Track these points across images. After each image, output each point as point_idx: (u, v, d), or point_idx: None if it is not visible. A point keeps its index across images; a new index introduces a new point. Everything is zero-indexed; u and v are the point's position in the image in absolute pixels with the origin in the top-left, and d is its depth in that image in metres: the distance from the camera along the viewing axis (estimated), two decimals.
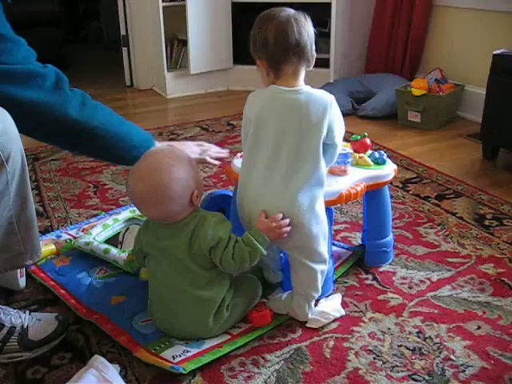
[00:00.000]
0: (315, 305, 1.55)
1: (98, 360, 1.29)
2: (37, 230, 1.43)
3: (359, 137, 1.75)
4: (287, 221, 1.40)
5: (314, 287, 1.49)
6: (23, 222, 1.36)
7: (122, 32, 4.15)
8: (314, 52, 1.48)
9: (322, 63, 3.84)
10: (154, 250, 1.45)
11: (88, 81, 4.52)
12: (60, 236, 1.96)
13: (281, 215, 1.41)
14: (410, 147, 2.86)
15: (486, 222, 2.06)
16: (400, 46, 3.62)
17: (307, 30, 1.45)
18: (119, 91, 4.22)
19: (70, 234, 1.97)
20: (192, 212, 1.41)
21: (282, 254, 1.61)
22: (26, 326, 1.43)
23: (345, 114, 3.27)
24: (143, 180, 1.35)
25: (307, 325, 1.51)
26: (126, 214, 1.99)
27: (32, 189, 2.34)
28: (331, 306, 1.55)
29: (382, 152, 1.73)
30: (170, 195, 1.35)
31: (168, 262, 1.41)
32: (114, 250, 1.75)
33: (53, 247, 1.85)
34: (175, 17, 3.88)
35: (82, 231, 1.97)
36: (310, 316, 1.52)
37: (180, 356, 1.36)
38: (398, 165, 1.76)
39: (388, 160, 1.73)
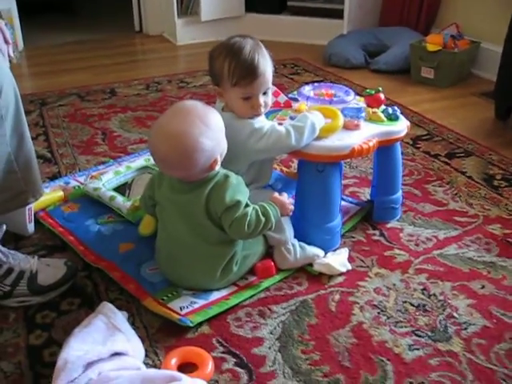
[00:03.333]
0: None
1: (107, 307, 1.31)
2: (37, 166, 1.41)
3: (373, 91, 1.72)
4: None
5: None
6: (22, 159, 1.34)
7: None
8: None
9: (336, 14, 3.77)
10: (167, 202, 1.44)
11: (97, 25, 4.47)
12: (68, 182, 1.96)
13: (285, 195, 1.48)
14: (421, 103, 2.82)
15: (495, 183, 2.04)
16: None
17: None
18: (128, 37, 4.15)
19: (78, 181, 1.97)
20: (211, 171, 1.38)
21: None
22: (35, 271, 1.45)
23: (357, 67, 3.29)
24: (168, 142, 1.31)
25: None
26: (140, 162, 1.98)
27: (40, 134, 2.40)
28: (338, 260, 1.56)
29: (396, 108, 1.71)
30: (192, 164, 1.33)
31: (181, 215, 1.41)
32: (119, 198, 1.76)
33: (61, 193, 1.85)
34: None
35: (91, 178, 1.96)
36: (291, 260, 1.53)
37: (187, 307, 1.38)
38: (409, 121, 1.73)
39: (401, 116, 1.71)
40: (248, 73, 1.45)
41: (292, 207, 1.48)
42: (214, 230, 1.40)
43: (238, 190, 1.39)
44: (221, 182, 1.38)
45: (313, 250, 1.56)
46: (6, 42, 1.33)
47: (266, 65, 1.48)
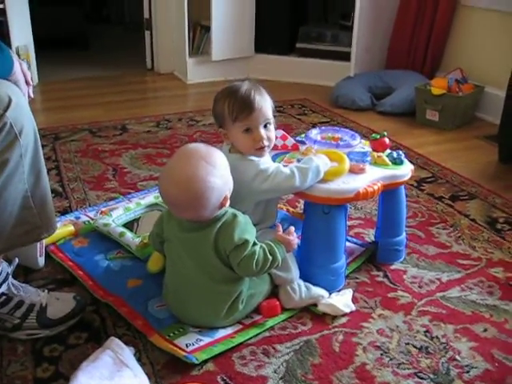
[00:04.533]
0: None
1: (114, 342, 1.33)
2: (51, 203, 1.45)
3: (378, 136, 1.77)
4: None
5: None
6: (38, 195, 1.38)
7: (146, 15, 4.18)
8: None
9: (343, 56, 3.86)
10: (175, 239, 1.48)
11: (109, 62, 4.57)
12: (79, 217, 2.00)
13: (293, 228, 1.51)
14: (426, 146, 2.87)
15: (498, 226, 2.07)
16: (422, 44, 3.62)
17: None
18: (140, 74, 4.25)
19: (88, 216, 2.01)
20: (221, 209, 1.42)
21: None
22: (44, 305, 1.48)
23: (364, 109, 3.35)
24: (178, 187, 1.35)
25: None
26: (150, 199, 2.03)
27: (52, 168, 2.45)
28: (342, 301, 1.58)
29: (400, 152, 1.75)
30: (204, 204, 1.37)
31: (189, 253, 1.45)
32: (129, 235, 1.79)
33: (71, 228, 1.89)
34: (199, 2, 3.91)
35: (101, 213, 2.01)
36: (297, 300, 1.56)
37: (193, 344, 1.40)
38: (413, 163, 1.78)
39: (405, 160, 1.75)
40: (245, 106, 1.52)
41: (297, 241, 1.52)
42: (221, 268, 1.43)
43: (246, 229, 1.43)
44: (229, 221, 1.42)
45: (318, 291, 1.59)
46: (27, 83, 1.38)
47: (262, 99, 1.54)
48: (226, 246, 1.40)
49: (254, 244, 1.43)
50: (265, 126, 1.55)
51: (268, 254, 1.43)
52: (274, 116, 1.60)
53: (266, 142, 1.55)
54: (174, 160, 1.41)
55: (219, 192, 1.38)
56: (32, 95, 1.38)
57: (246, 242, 1.40)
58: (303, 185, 1.53)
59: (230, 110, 1.53)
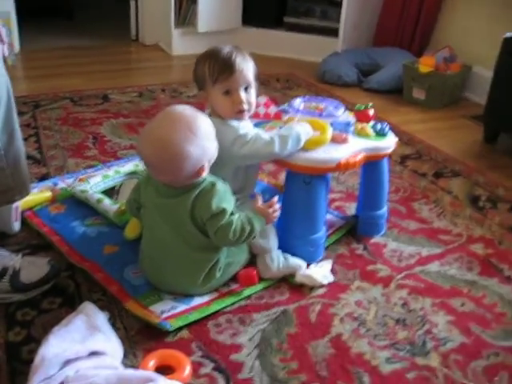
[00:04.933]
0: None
1: (88, 306, 1.31)
2: (26, 165, 1.42)
3: (363, 107, 1.74)
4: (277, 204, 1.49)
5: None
6: (11, 156, 1.35)
7: None
8: None
9: (331, 32, 3.82)
10: (152, 205, 1.45)
11: (94, 32, 4.49)
12: (57, 184, 1.96)
13: (276, 198, 1.48)
14: (412, 124, 2.85)
15: (480, 204, 2.07)
16: (411, 21, 3.58)
17: None
18: (124, 44, 4.17)
19: (66, 183, 1.97)
20: (198, 178, 1.39)
21: None
22: (18, 268, 1.45)
23: (350, 85, 3.32)
24: (154, 147, 1.32)
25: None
26: (129, 167, 1.99)
27: (31, 135, 2.41)
28: (320, 272, 1.57)
29: (385, 124, 1.73)
30: (176, 170, 1.34)
31: (165, 219, 1.42)
32: (106, 201, 1.77)
33: (49, 194, 1.86)
34: None
35: (79, 181, 1.97)
36: (274, 270, 1.54)
37: (168, 311, 1.39)
38: (398, 140, 1.76)
39: (390, 132, 1.72)
40: (225, 67, 1.49)
41: (277, 214, 1.49)
42: (198, 235, 1.41)
43: (224, 198, 1.40)
44: (207, 189, 1.39)
45: (295, 261, 1.57)
46: (1, 40, 1.33)
47: (243, 62, 1.52)
48: (202, 213, 1.38)
49: (232, 214, 1.40)
50: (245, 90, 1.52)
51: (246, 225, 1.40)
52: (260, 85, 1.57)
53: (245, 106, 1.52)
54: (157, 119, 1.38)
55: (195, 161, 1.34)
56: (6, 53, 1.33)
57: (224, 210, 1.38)
58: (283, 152, 1.51)
59: (210, 72, 1.50)
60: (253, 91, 1.55)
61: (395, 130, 2.63)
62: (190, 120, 1.35)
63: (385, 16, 3.74)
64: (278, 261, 1.54)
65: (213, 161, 1.41)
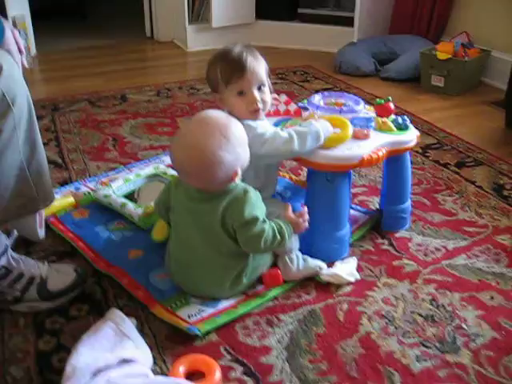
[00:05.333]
0: (330, 267, 1.57)
1: (116, 313, 1.31)
2: (48, 174, 1.43)
3: (383, 101, 1.72)
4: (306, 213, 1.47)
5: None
6: (34, 167, 1.36)
7: None
8: None
9: (346, 22, 3.78)
10: (182, 208, 1.44)
11: (108, 30, 4.51)
12: (79, 188, 1.97)
13: (306, 209, 1.48)
14: (431, 112, 2.82)
15: (505, 193, 2.04)
16: (427, 7, 3.53)
17: None
18: (139, 42, 4.18)
19: (88, 187, 1.98)
20: (231, 183, 1.38)
21: None
22: (45, 277, 1.46)
23: (367, 75, 3.30)
24: (186, 153, 1.32)
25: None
26: (149, 169, 1.99)
27: (51, 139, 2.42)
28: (346, 270, 1.56)
29: (406, 117, 1.71)
30: (210, 176, 1.33)
31: (195, 223, 1.41)
32: (130, 205, 1.76)
33: (71, 199, 1.86)
34: None
35: (101, 184, 1.98)
36: (294, 271, 1.53)
37: (195, 315, 1.38)
38: (418, 129, 1.74)
39: (411, 126, 1.70)
40: (237, 68, 1.48)
41: (306, 225, 1.48)
42: (227, 241, 1.40)
43: (257, 206, 1.39)
44: (240, 196, 1.37)
45: (315, 262, 1.56)
46: (20, 51, 1.34)
47: (254, 61, 1.50)
48: (234, 221, 1.37)
49: (264, 221, 1.39)
50: (259, 89, 1.51)
51: (277, 234, 1.39)
52: (274, 83, 1.56)
53: (260, 105, 1.51)
54: (190, 124, 1.37)
55: (228, 167, 1.33)
56: (26, 64, 1.34)
57: (256, 218, 1.37)
58: (302, 149, 1.49)
59: (222, 74, 1.49)
60: (266, 89, 1.54)
61: (415, 119, 2.64)
62: (224, 126, 1.33)
63: (400, 3, 3.69)
64: (297, 261, 1.53)
65: (245, 166, 1.39)
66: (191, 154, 1.31)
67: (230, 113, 1.52)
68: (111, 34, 4.41)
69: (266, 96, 1.53)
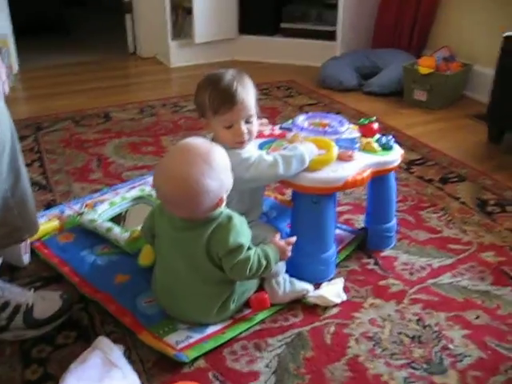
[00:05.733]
0: (317, 288, 1.57)
1: (103, 341, 1.31)
2: (33, 203, 1.41)
3: (367, 121, 1.74)
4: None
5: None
6: (18, 196, 1.34)
7: None
8: None
9: (329, 36, 3.81)
10: (167, 236, 1.44)
11: (90, 47, 4.50)
12: (63, 211, 1.96)
13: (294, 239, 1.49)
14: (415, 126, 2.85)
15: (489, 209, 2.06)
16: (408, 21, 3.57)
17: None
18: (122, 58, 4.18)
19: (73, 209, 1.97)
20: (216, 210, 1.37)
21: None
22: (30, 305, 1.45)
23: (351, 90, 3.32)
24: (171, 184, 1.30)
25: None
26: (135, 192, 1.98)
27: (35, 160, 2.41)
28: (333, 291, 1.56)
29: (390, 137, 1.72)
30: (196, 205, 1.32)
31: (180, 251, 1.40)
32: (116, 229, 1.76)
33: (56, 223, 1.85)
34: None
35: (86, 206, 1.97)
36: (280, 294, 1.53)
37: (183, 342, 1.38)
38: (402, 145, 1.76)
39: (395, 145, 1.71)
40: (226, 100, 1.47)
41: (289, 252, 1.48)
42: (212, 270, 1.39)
43: (241, 233, 1.38)
44: (224, 224, 1.37)
45: (302, 285, 1.56)
46: (1, 78, 1.32)
47: (244, 92, 1.49)
48: (219, 249, 1.36)
49: (249, 248, 1.39)
50: (246, 121, 1.51)
51: (262, 260, 1.39)
52: (258, 99, 1.56)
53: (246, 137, 1.51)
54: (171, 154, 1.36)
55: (214, 194, 1.32)
56: (7, 91, 1.32)
57: (241, 246, 1.36)
58: (287, 173, 1.50)
59: (210, 102, 1.48)
60: (254, 120, 1.53)
61: (398, 134, 2.66)
62: (206, 153, 1.32)
63: (382, 17, 3.74)
64: (284, 285, 1.53)
65: (229, 191, 1.39)
66: (174, 183, 1.30)
67: (215, 139, 1.53)
68: (94, 50, 4.40)
69: (253, 127, 1.53)
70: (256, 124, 1.55)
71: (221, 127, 1.50)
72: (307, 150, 1.53)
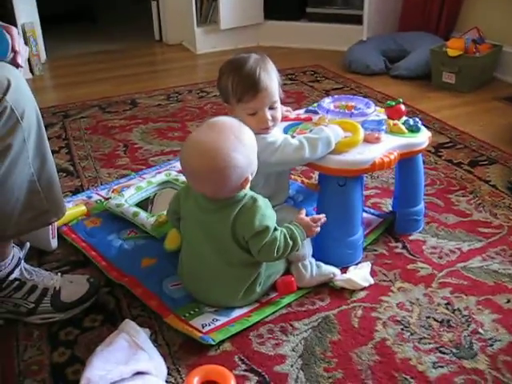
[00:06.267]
0: (344, 272, 1.55)
1: (129, 324, 1.31)
2: (59, 186, 1.42)
3: (394, 103, 1.71)
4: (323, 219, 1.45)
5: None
6: (44, 179, 1.35)
7: None
8: None
9: (355, 20, 3.76)
10: (192, 219, 1.43)
11: (117, 34, 4.52)
12: (91, 196, 1.98)
13: (323, 217, 1.46)
14: (443, 110, 2.79)
15: None
16: (437, 3, 3.49)
17: None
18: (148, 46, 4.19)
19: (100, 195, 1.98)
20: (241, 191, 1.37)
21: None
22: (58, 288, 1.46)
23: (377, 73, 3.27)
24: (201, 156, 1.29)
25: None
26: (161, 177, 1.99)
27: (62, 147, 2.43)
28: (360, 275, 1.54)
29: (417, 119, 1.69)
30: (223, 180, 1.31)
31: (205, 234, 1.40)
32: (142, 214, 1.76)
33: (83, 208, 1.87)
34: None
35: (113, 192, 1.98)
36: (307, 278, 1.52)
37: (209, 325, 1.38)
38: (430, 128, 1.73)
39: (422, 127, 1.69)
40: (250, 87, 1.45)
41: (318, 229, 1.46)
42: (238, 252, 1.39)
43: (266, 214, 1.37)
44: (249, 206, 1.36)
45: (329, 269, 1.55)
46: (14, 50, 1.29)
47: (268, 79, 1.47)
48: (245, 232, 1.36)
49: (275, 229, 1.38)
50: (270, 107, 1.49)
51: (289, 239, 1.38)
52: (284, 84, 1.54)
53: (270, 123, 1.50)
54: (201, 128, 1.35)
55: (241, 171, 1.31)
56: (21, 63, 1.29)
57: (267, 228, 1.35)
58: (313, 155, 1.48)
59: (233, 89, 1.47)
60: (278, 105, 1.52)
61: (426, 117, 2.62)
62: (237, 130, 1.32)
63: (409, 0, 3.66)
64: (311, 268, 1.52)
65: (254, 174, 1.38)
66: (207, 157, 1.29)
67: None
68: (120, 38, 4.42)
69: (277, 113, 1.51)
70: (280, 109, 1.53)
71: (245, 114, 1.49)
72: (333, 132, 1.51)
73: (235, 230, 1.36)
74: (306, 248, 1.51)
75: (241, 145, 1.30)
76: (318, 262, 1.55)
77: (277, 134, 1.54)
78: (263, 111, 1.48)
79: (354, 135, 1.54)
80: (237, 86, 1.46)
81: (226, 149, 1.28)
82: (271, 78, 1.48)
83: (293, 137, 1.53)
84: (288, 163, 1.53)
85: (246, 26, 3.94)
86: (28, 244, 1.49)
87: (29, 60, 3.39)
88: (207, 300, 1.45)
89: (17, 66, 1.28)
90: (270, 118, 1.49)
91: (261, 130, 1.50)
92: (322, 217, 1.46)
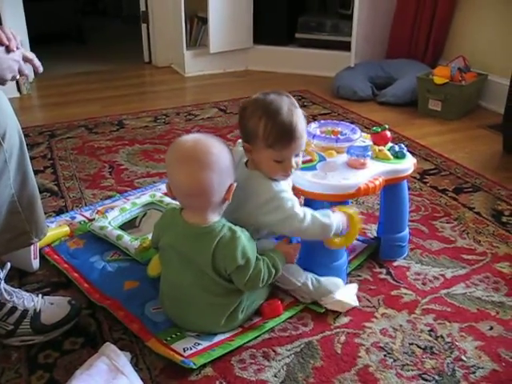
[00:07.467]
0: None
1: (110, 348, 1.30)
2: (41, 206, 1.41)
3: (379, 129, 1.72)
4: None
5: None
6: (25, 200, 1.33)
7: (142, 8, 4.12)
8: None
9: (343, 46, 3.80)
10: (172, 250, 1.42)
11: (107, 56, 4.53)
12: (74, 217, 1.96)
13: (299, 245, 1.50)
14: (429, 136, 2.82)
15: (504, 219, 2.03)
16: (424, 32, 3.55)
17: None
18: (137, 68, 4.20)
19: (84, 216, 1.97)
20: (219, 220, 1.37)
21: None
22: (38, 310, 1.44)
23: (365, 100, 3.30)
24: (187, 167, 1.30)
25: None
26: (145, 198, 1.98)
27: (47, 167, 2.41)
28: (348, 295, 1.54)
29: (403, 145, 1.71)
30: (209, 181, 1.31)
31: (185, 264, 1.39)
32: (126, 237, 1.75)
33: (67, 229, 1.85)
34: None
35: (97, 213, 1.97)
36: (312, 290, 1.53)
37: (191, 349, 1.36)
38: (416, 155, 1.74)
39: (408, 154, 1.70)
40: (285, 136, 1.39)
41: (296, 255, 1.48)
42: (219, 281, 1.37)
43: (247, 246, 1.36)
44: (228, 238, 1.34)
45: (330, 280, 1.55)
46: (2, 43, 1.25)
47: (301, 128, 1.42)
48: (226, 265, 1.34)
49: (257, 259, 1.38)
50: (296, 155, 1.46)
51: (271, 268, 1.40)
52: None
53: (293, 171, 1.47)
54: (182, 140, 1.36)
55: (220, 189, 1.33)
56: (15, 48, 1.26)
57: (249, 261, 1.35)
58: (306, 233, 1.46)
59: (266, 134, 1.39)
60: (301, 153, 1.49)
61: (412, 144, 2.64)
62: (202, 157, 1.31)
63: (396, 27, 3.72)
64: (312, 282, 1.52)
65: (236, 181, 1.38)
66: (191, 169, 1.31)
67: (255, 164, 1.48)
68: (109, 59, 4.43)
69: (300, 159, 1.48)
70: (302, 155, 1.49)
71: (270, 160, 1.43)
72: (337, 221, 1.48)
73: (215, 261, 1.34)
74: (303, 273, 1.53)
75: (212, 172, 1.30)
76: (316, 276, 1.55)
77: (286, 187, 1.49)
78: (290, 160, 1.44)
79: (350, 232, 1.53)
80: (270, 132, 1.39)
81: (204, 178, 1.30)
82: (304, 128, 1.44)
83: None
84: (281, 226, 1.48)
85: (234, 50, 3.97)
86: (9, 264, 1.47)
87: (16, 79, 3.38)
88: (188, 326, 1.43)
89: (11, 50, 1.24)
90: (294, 166, 1.45)
91: (282, 176, 1.47)
92: (299, 246, 1.51)
